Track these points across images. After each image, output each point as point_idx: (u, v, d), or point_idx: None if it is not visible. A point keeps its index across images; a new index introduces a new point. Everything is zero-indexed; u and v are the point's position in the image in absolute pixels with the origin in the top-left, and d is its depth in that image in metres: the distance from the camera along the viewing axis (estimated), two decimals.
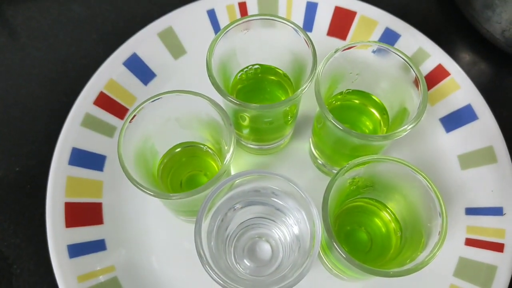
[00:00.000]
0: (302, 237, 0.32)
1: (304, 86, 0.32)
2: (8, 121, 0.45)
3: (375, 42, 0.34)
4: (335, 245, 0.28)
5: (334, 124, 0.31)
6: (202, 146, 0.37)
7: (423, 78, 0.32)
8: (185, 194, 0.30)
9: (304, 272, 0.28)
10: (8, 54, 0.48)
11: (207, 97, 0.31)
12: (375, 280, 0.37)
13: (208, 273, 0.27)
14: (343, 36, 0.45)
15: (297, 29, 0.34)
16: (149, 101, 0.32)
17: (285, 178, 0.29)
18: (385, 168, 0.31)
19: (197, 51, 0.44)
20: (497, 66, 0.49)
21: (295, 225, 0.33)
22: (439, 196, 0.29)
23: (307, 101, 0.41)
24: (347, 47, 0.34)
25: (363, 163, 0.30)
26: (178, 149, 0.37)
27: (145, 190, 0.30)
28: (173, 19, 0.45)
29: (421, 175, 0.29)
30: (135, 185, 0.30)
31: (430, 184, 0.29)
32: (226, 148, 0.32)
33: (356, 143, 0.33)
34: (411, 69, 0.33)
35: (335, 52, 0.33)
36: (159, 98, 0.32)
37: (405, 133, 0.32)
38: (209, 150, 0.37)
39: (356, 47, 0.34)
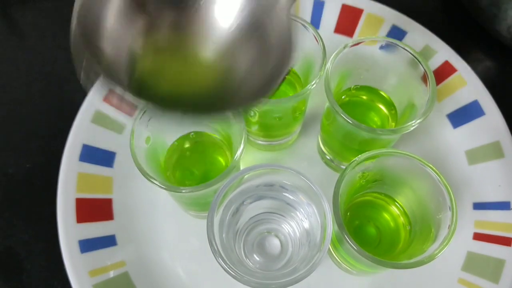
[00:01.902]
0: (312, 231, 0.32)
1: (314, 82, 0.33)
2: (19, 119, 0.45)
3: (383, 37, 0.34)
4: (346, 237, 0.28)
5: (344, 118, 0.31)
6: (213, 138, 0.38)
7: (432, 73, 0.33)
8: (195, 187, 0.30)
9: (315, 265, 0.28)
10: (18, 54, 0.49)
11: None
12: (383, 275, 0.38)
13: (221, 265, 0.28)
14: (350, 34, 0.46)
15: (306, 25, 0.34)
16: None
17: (296, 171, 0.30)
18: (394, 162, 0.31)
19: None
20: (503, 62, 0.49)
21: (305, 219, 0.34)
22: (448, 188, 0.29)
23: (314, 99, 0.41)
24: (356, 42, 0.34)
25: (373, 157, 0.30)
26: (188, 145, 0.37)
27: (158, 184, 0.30)
28: None
29: (431, 168, 0.30)
30: (148, 179, 0.30)
31: (440, 177, 0.29)
32: (236, 143, 0.32)
33: (365, 137, 0.33)
34: (420, 64, 0.33)
35: (344, 47, 0.34)
36: None
37: (413, 128, 0.32)
38: (220, 144, 0.38)
39: (365, 42, 0.34)
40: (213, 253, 0.28)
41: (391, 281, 0.37)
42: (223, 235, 0.31)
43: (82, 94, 0.41)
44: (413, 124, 0.31)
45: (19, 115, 0.45)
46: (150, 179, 0.30)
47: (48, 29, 0.50)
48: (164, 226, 0.39)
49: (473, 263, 0.37)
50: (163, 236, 0.39)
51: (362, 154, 0.30)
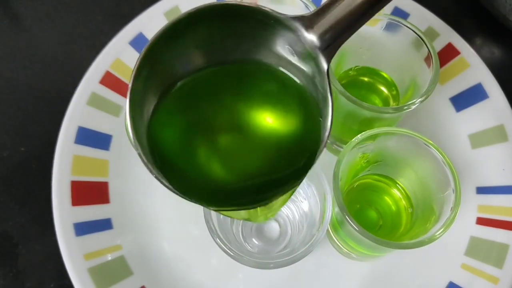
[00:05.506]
0: (311, 213, 0.32)
1: None
2: (14, 102, 0.44)
3: (386, 15, 0.33)
4: (347, 217, 0.27)
5: (344, 96, 0.30)
6: None
7: (435, 51, 0.32)
8: None
9: (313, 245, 0.27)
10: (13, 36, 0.48)
11: None
12: (384, 260, 0.37)
13: (219, 245, 0.27)
14: None
15: (308, 4, 0.34)
16: None
17: None
18: (396, 142, 0.31)
19: None
20: (507, 46, 0.48)
21: (304, 200, 0.33)
22: (452, 168, 0.28)
23: None
24: None
25: (374, 136, 0.30)
26: None
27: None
28: None
29: (434, 147, 0.29)
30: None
31: (443, 157, 0.29)
32: None
33: (367, 116, 0.32)
34: (424, 43, 0.32)
35: None
36: None
37: (415, 106, 0.31)
38: None
39: None
40: (210, 233, 0.28)
41: (392, 266, 0.37)
42: (221, 217, 0.31)
43: (78, 78, 0.41)
44: (415, 102, 0.31)
45: (13, 99, 0.45)
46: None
47: (43, 11, 0.49)
48: (162, 210, 0.38)
49: (476, 248, 0.36)
50: (160, 220, 0.38)
51: (363, 133, 0.29)
